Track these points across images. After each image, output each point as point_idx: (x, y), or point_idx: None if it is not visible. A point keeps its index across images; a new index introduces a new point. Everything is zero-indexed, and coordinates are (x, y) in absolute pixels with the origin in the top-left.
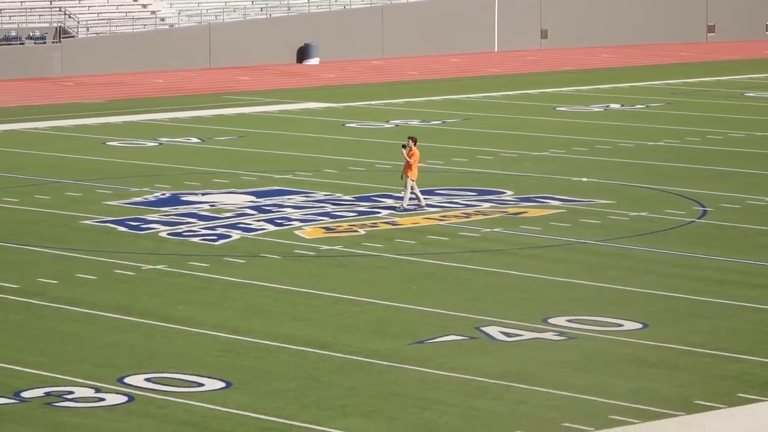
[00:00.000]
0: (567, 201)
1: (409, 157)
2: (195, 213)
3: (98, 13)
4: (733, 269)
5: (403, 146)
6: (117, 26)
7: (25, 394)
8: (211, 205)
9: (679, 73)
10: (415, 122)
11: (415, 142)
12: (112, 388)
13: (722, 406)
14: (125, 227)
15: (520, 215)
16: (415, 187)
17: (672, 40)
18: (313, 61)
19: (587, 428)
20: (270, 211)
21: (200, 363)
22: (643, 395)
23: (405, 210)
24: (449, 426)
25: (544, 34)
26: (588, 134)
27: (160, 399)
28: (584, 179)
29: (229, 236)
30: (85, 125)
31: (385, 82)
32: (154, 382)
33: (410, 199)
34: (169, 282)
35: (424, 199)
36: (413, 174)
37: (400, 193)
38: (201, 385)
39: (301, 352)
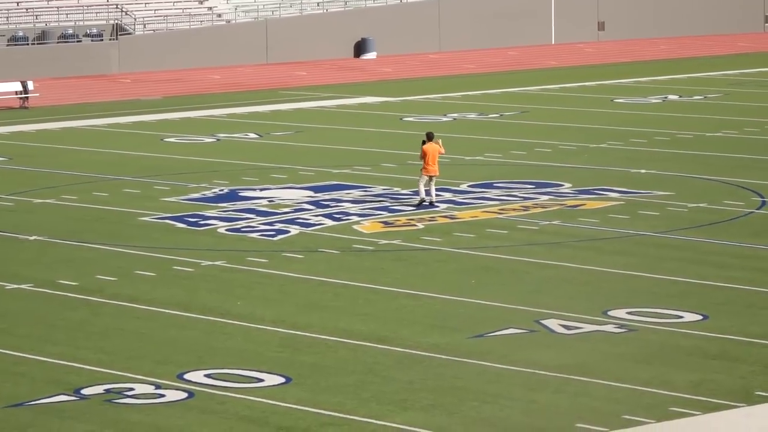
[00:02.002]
0: (625, 193)
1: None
2: (253, 208)
3: (155, 10)
4: None
5: (424, 142)
6: (174, 23)
7: (85, 391)
8: (269, 201)
9: (737, 64)
10: (472, 115)
11: (430, 138)
12: (171, 385)
13: None
14: (184, 223)
15: (578, 208)
16: (420, 184)
17: (730, 31)
18: (370, 55)
19: (648, 420)
20: (328, 206)
21: (260, 358)
22: (704, 387)
23: (432, 205)
24: (510, 419)
25: (601, 26)
26: (646, 126)
27: (220, 395)
28: (642, 171)
29: (288, 231)
30: (142, 122)
31: (443, 75)
32: (213, 378)
33: (425, 191)
34: (227, 278)
35: (435, 196)
36: (425, 171)
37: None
38: (260, 380)
39: (360, 347)
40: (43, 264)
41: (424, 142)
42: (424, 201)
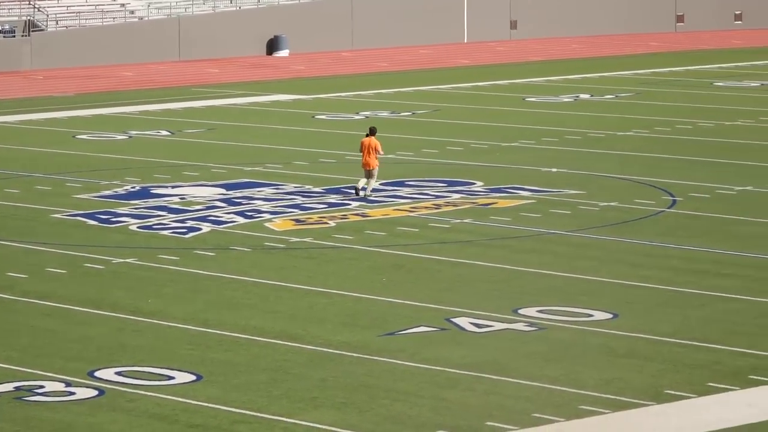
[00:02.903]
0: (537, 191)
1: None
2: (165, 206)
3: (67, 6)
4: (703, 258)
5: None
6: (86, 19)
7: None
8: (181, 198)
9: (649, 63)
10: (384, 114)
11: (372, 132)
12: (82, 382)
13: (693, 395)
14: (95, 221)
15: (490, 206)
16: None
17: (641, 30)
18: (283, 53)
19: (558, 418)
20: (240, 204)
21: (170, 356)
22: (614, 385)
23: (365, 197)
24: (420, 417)
25: (513, 25)
26: (558, 125)
27: (131, 392)
28: (554, 170)
29: (199, 229)
30: (54, 119)
31: (355, 73)
32: (124, 376)
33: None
34: (139, 275)
35: (371, 191)
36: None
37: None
38: (171, 378)
39: (271, 345)
40: None
41: (367, 136)
42: (358, 192)
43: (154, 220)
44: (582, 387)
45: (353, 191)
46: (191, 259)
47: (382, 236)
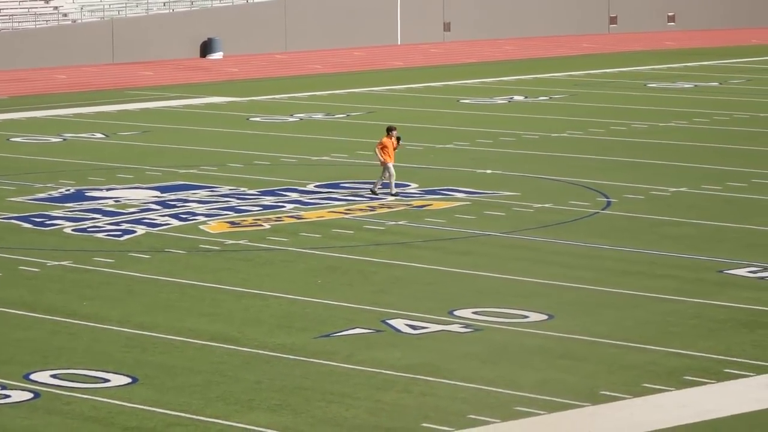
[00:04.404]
0: (471, 193)
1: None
2: (99, 209)
3: (0, 10)
4: (637, 260)
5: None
6: (19, 22)
7: None
8: (115, 201)
9: (582, 65)
10: (319, 116)
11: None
12: (17, 385)
13: (627, 396)
14: (30, 223)
15: (424, 208)
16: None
17: (574, 32)
18: (217, 55)
19: (494, 420)
20: (174, 206)
21: (106, 359)
22: (549, 386)
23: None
24: (356, 419)
25: (447, 27)
26: (492, 126)
27: (66, 395)
28: (488, 171)
29: (134, 231)
30: None
31: (289, 75)
32: (59, 379)
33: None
34: (74, 278)
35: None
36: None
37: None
38: (107, 380)
39: (206, 347)
40: None
41: (387, 136)
42: (376, 192)
43: (88, 223)
44: (518, 388)
45: (377, 193)
46: (126, 261)
47: (317, 238)
